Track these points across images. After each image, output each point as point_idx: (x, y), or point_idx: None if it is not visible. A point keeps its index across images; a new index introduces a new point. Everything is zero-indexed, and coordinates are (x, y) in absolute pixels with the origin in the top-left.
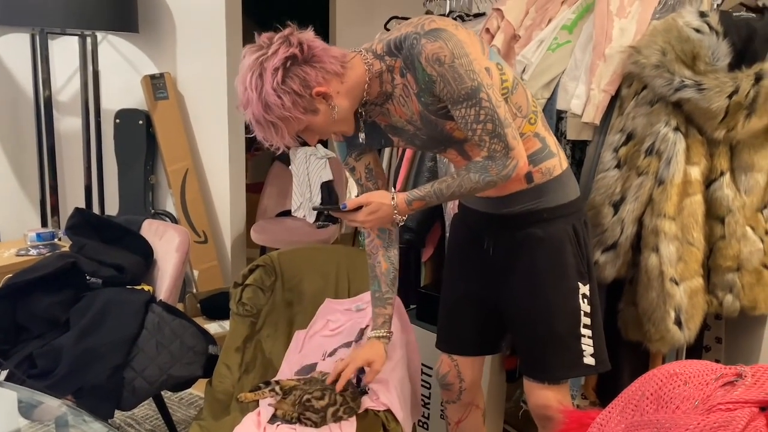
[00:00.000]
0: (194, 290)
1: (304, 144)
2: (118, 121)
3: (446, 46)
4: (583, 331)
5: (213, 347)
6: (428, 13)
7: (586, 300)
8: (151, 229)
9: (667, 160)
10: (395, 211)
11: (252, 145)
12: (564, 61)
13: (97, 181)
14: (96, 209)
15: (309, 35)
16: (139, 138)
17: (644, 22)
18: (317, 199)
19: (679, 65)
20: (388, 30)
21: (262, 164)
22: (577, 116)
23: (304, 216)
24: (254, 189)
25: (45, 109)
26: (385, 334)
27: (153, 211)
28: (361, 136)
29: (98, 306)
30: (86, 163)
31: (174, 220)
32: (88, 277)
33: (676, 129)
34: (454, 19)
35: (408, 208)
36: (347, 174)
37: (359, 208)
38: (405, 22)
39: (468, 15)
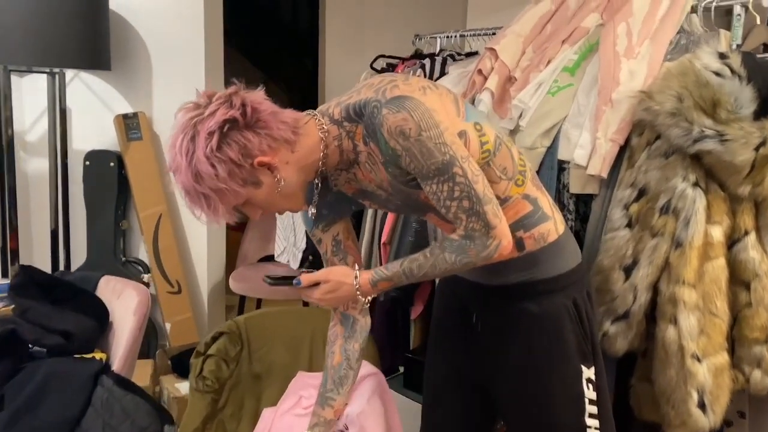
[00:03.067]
0: (167, 344)
1: (244, 218)
2: (87, 162)
3: (411, 117)
4: (589, 421)
5: (169, 427)
6: (417, 52)
7: (591, 385)
8: (108, 287)
9: (685, 220)
10: (358, 292)
11: None
12: (566, 106)
13: (63, 225)
14: (62, 255)
15: (257, 96)
16: (110, 181)
17: (656, 64)
18: (302, 244)
19: (698, 113)
20: (374, 69)
21: None
22: (582, 168)
23: (288, 262)
24: (238, 227)
25: (7, 149)
26: None
27: (124, 258)
28: (311, 211)
29: (38, 380)
30: (53, 206)
31: (146, 269)
32: (30, 346)
33: (695, 184)
34: (444, 59)
35: (372, 289)
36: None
37: (317, 284)
38: (365, 83)
39: (459, 54)
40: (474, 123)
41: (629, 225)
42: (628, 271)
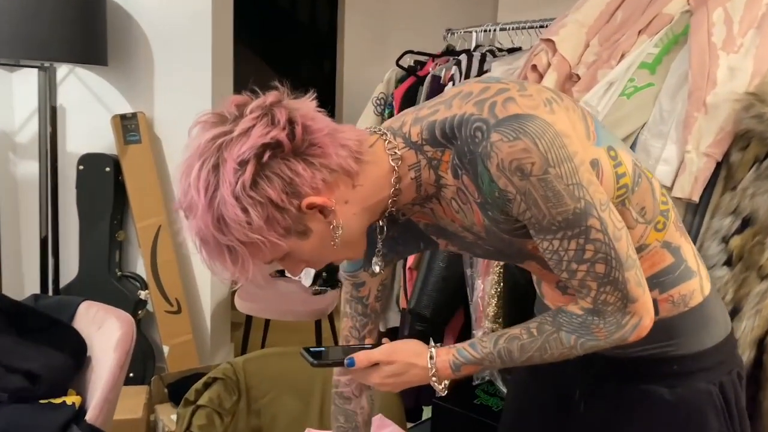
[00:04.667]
0: (164, 369)
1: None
2: (81, 167)
3: (536, 147)
4: None
5: None
6: (449, 48)
7: None
8: (88, 315)
9: None
10: (433, 378)
11: None
12: (644, 111)
13: (53, 235)
14: (51, 267)
15: (308, 108)
16: (105, 187)
17: (765, 59)
18: None
19: None
20: (400, 67)
21: None
22: (665, 188)
23: (300, 278)
24: None
25: None
26: None
27: (119, 273)
28: (376, 266)
29: None
30: (44, 213)
31: (143, 284)
32: None
33: None
34: (483, 55)
35: (453, 374)
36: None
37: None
38: (457, 90)
39: (500, 50)
40: (608, 148)
41: (729, 263)
42: None
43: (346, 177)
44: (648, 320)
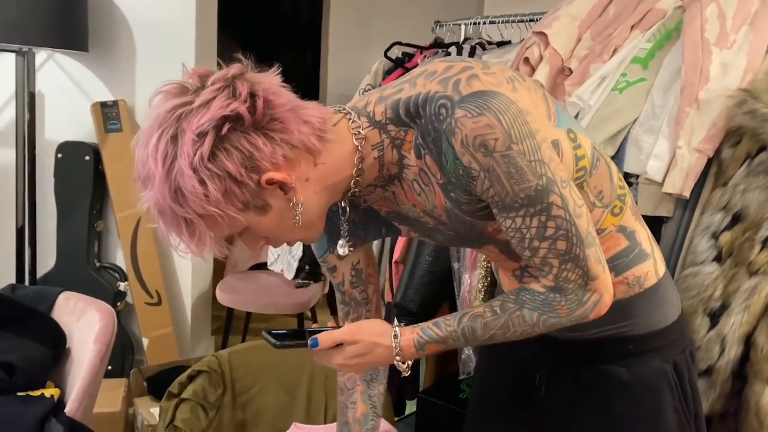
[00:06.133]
0: (144, 362)
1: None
2: (60, 155)
3: (499, 123)
4: None
5: None
6: (437, 41)
7: None
8: (67, 307)
9: None
10: (397, 357)
11: None
12: (636, 105)
13: (29, 224)
14: (27, 257)
15: (272, 82)
16: (84, 176)
17: (757, 55)
18: (298, 252)
19: None
20: (388, 59)
21: None
22: (656, 184)
23: (282, 270)
24: None
25: None
26: None
27: (98, 264)
28: (341, 249)
29: None
30: (20, 202)
31: (123, 276)
32: None
33: None
34: (473, 48)
35: (417, 352)
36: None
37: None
38: (421, 69)
39: (490, 43)
40: (567, 130)
41: (718, 259)
42: (715, 316)
43: (307, 154)
44: (608, 297)
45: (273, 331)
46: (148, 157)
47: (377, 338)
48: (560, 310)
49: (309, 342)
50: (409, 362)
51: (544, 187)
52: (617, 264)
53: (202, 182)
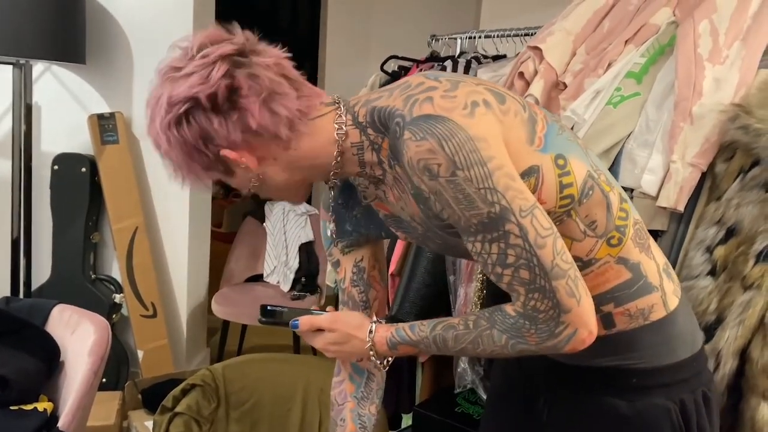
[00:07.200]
0: (139, 374)
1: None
2: (56, 167)
3: (442, 149)
4: None
5: None
6: (433, 55)
7: None
8: (62, 319)
9: None
10: (371, 352)
11: (230, 191)
12: (630, 120)
13: (25, 236)
14: (22, 268)
15: (260, 62)
16: (80, 188)
17: (750, 70)
18: (294, 264)
19: None
20: (385, 72)
21: (239, 212)
22: (650, 198)
23: (278, 283)
24: (229, 239)
25: None
26: None
27: (94, 276)
28: (330, 227)
29: None
30: (16, 214)
31: (119, 288)
32: None
33: None
34: (468, 62)
35: (390, 351)
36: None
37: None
38: (403, 81)
39: (486, 57)
40: (555, 155)
41: (713, 273)
42: (710, 330)
43: (275, 140)
44: (585, 333)
45: (269, 307)
46: (149, 99)
47: (353, 330)
48: (530, 338)
49: (291, 323)
50: (387, 360)
51: (498, 215)
52: (618, 295)
53: (169, 142)
